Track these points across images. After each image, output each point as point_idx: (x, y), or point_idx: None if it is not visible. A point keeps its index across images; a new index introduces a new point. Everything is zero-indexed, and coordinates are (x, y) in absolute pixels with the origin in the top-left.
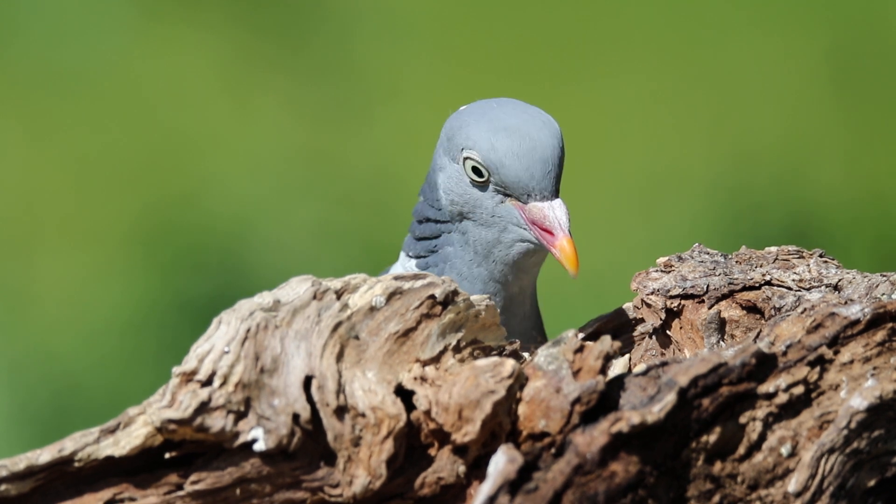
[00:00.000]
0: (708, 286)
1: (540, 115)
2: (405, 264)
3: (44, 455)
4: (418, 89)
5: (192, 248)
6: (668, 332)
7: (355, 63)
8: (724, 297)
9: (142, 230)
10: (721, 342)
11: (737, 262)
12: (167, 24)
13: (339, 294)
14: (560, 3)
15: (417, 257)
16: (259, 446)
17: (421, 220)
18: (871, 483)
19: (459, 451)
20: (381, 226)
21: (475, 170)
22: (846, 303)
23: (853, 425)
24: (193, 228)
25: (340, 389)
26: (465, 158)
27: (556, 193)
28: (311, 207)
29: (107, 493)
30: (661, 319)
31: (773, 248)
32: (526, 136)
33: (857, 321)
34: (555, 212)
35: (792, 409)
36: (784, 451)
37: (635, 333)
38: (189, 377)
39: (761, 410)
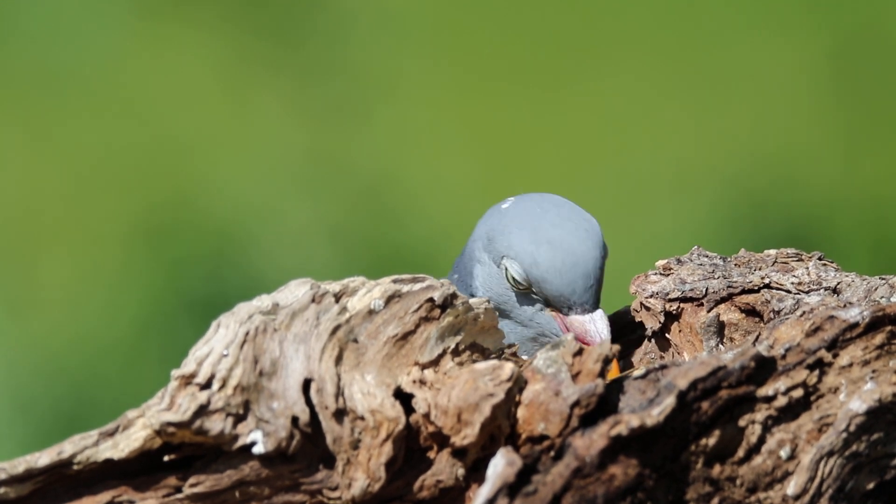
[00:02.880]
0: (707, 289)
1: (583, 222)
2: None
3: (42, 458)
4: (417, 89)
5: (192, 251)
6: (666, 335)
7: (353, 63)
8: (722, 300)
9: (141, 232)
10: (720, 345)
11: (736, 264)
12: (164, 23)
13: (337, 297)
14: (559, 4)
15: None
16: (258, 449)
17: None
18: (870, 486)
19: (458, 453)
20: (380, 227)
21: (515, 280)
22: (845, 306)
23: (852, 428)
24: (192, 230)
25: (339, 392)
26: (507, 268)
27: (596, 305)
28: (309, 208)
29: (105, 496)
30: (659, 322)
31: (772, 251)
32: (569, 251)
33: (856, 324)
34: (595, 325)
35: (791, 412)
36: (783, 454)
37: (634, 336)
38: (188, 380)
39: (760, 413)
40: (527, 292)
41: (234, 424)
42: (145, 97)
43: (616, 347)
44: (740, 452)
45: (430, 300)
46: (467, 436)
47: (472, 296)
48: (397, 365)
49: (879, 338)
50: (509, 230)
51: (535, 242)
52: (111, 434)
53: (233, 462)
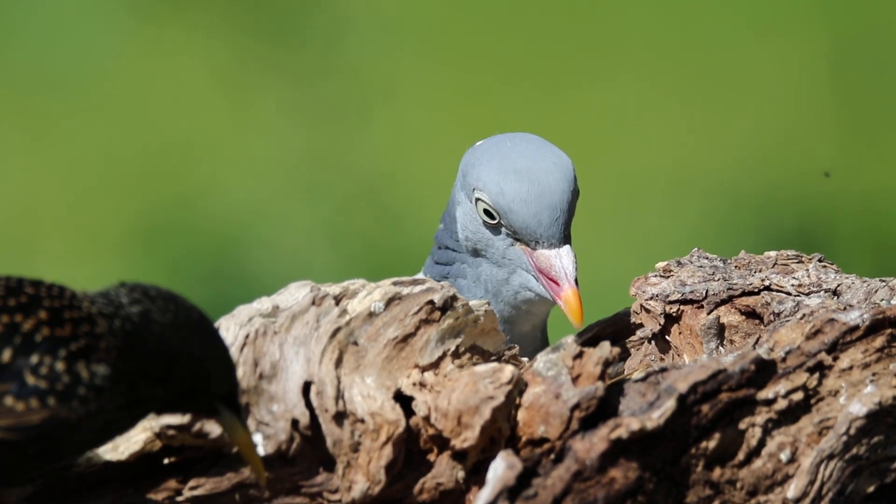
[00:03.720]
0: (707, 291)
1: (552, 156)
2: None
3: None
4: (415, 91)
5: (191, 253)
6: (667, 337)
7: (352, 65)
8: (723, 302)
9: (139, 234)
10: (720, 347)
11: (736, 266)
12: (163, 26)
13: (337, 300)
14: (557, 7)
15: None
16: (258, 452)
17: (440, 246)
18: (871, 489)
19: (458, 456)
20: (380, 228)
21: (486, 212)
22: (845, 308)
23: (852, 431)
24: (191, 232)
25: (339, 395)
26: (477, 199)
27: (564, 240)
28: (309, 210)
29: (106, 499)
30: (660, 325)
31: (773, 253)
32: (535, 180)
33: (857, 327)
34: (561, 260)
35: (791, 415)
36: (783, 457)
37: (634, 338)
38: None
39: (760, 416)
40: (497, 226)
41: None
42: (144, 99)
43: (616, 350)
44: (740, 455)
45: (431, 302)
46: (467, 439)
47: (456, 241)
48: (397, 367)
49: (879, 341)
50: (479, 163)
51: (503, 172)
52: None
53: (233, 465)
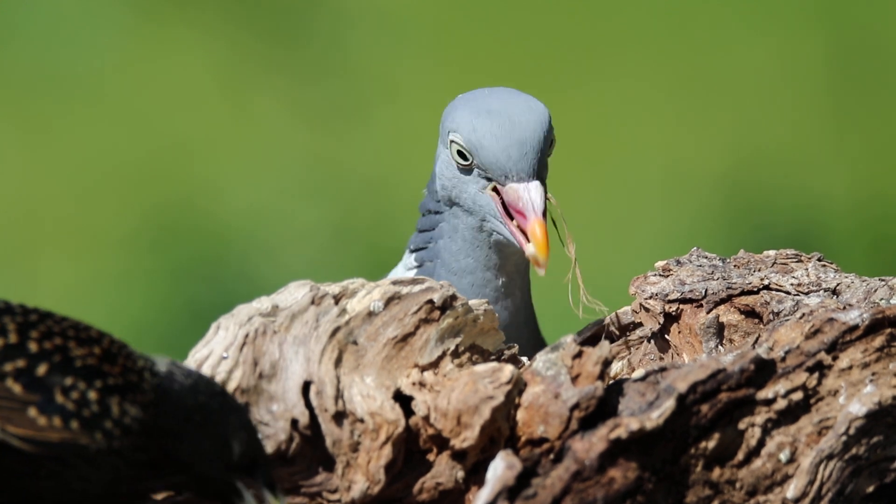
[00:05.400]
0: (706, 290)
1: (527, 101)
2: (406, 259)
3: None
4: (416, 91)
5: (192, 253)
6: (666, 336)
7: (353, 65)
8: (722, 301)
9: (141, 235)
10: (719, 346)
11: (735, 266)
12: (164, 26)
13: (337, 299)
14: (556, 7)
15: (417, 250)
16: None
17: (424, 212)
18: (870, 489)
19: (458, 456)
20: (380, 228)
21: (460, 153)
22: (844, 308)
23: (852, 431)
24: (192, 233)
25: (339, 395)
26: (451, 142)
27: (534, 176)
28: (309, 210)
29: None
30: (659, 324)
31: (772, 252)
32: (506, 118)
33: (856, 327)
34: (529, 193)
35: (791, 415)
36: (783, 457)
37: (633, 338)
38: None
39: (760, 416)
40: (469, 168)
41: None
42: (146, 100)
43: (616, 349)
44: (740, 455)
45: (430, 302)
46: (467, 438)
47: (437, 200)
48: (397, 367)
49: (879, 340)
50: (456, 108)
51: (476, 112)
52: None
53: None
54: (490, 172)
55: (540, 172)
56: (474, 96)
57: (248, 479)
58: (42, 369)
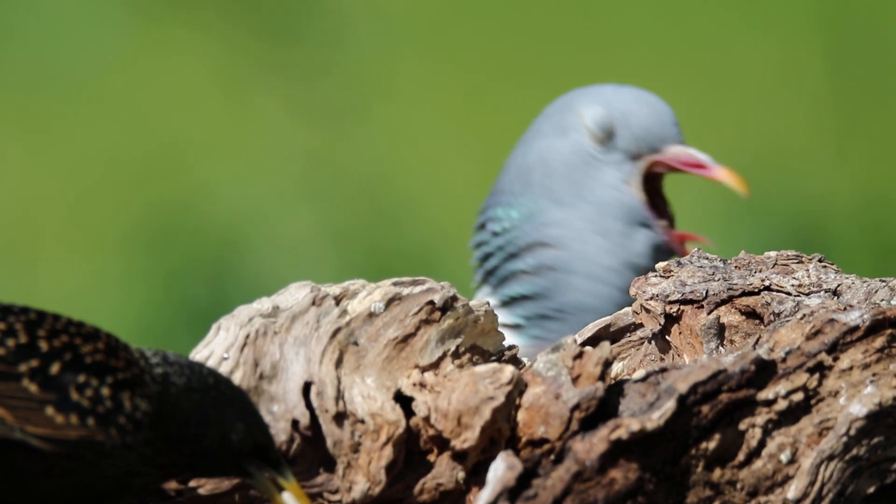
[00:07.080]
0: (707, 291)
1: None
2: (504, 317)
3: None
4: (415, 90)
5: (191, 254)
6: (667, 337)
7: (351, 64)
8: (723, 302)
9: (140, 235)
10: (720, 347)
11: (736, 266)
12: (163, 26)
13: (337, 300)
14: (558, 5)
15: (513, 300)
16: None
17: (491, 252)
18: (871, 490)
19: (459, 457)
20: (380, 228)
21: (599, 131)
22: (845, 309)
23: (852, 432)
24: (192, 233)
25: (339, 396)
26: (583, 116)
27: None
28: (309, 211)
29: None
30: (660, 325)
31: (773, 253)
32: (644, 94)
33: (857, 327)
34: (696, 151)
35: (791, 415)
36: (783, 457)
37: (634, 338)
38: None
39: (761, 417)
40: (604, 143)
41: None
42: (144, 100)
43: (616, 350)
44: (741, 456)
45: (431, 303)
46: (467, 439)
47: (510, 227)
48: (397, 368)
49: (880, 341)
50: (582, 94)
51: (612, 90)
52: None
53: None
54: (640, 142)
55: None
56: (600, 87)
57: (257, 462)
58: (55, 368)
